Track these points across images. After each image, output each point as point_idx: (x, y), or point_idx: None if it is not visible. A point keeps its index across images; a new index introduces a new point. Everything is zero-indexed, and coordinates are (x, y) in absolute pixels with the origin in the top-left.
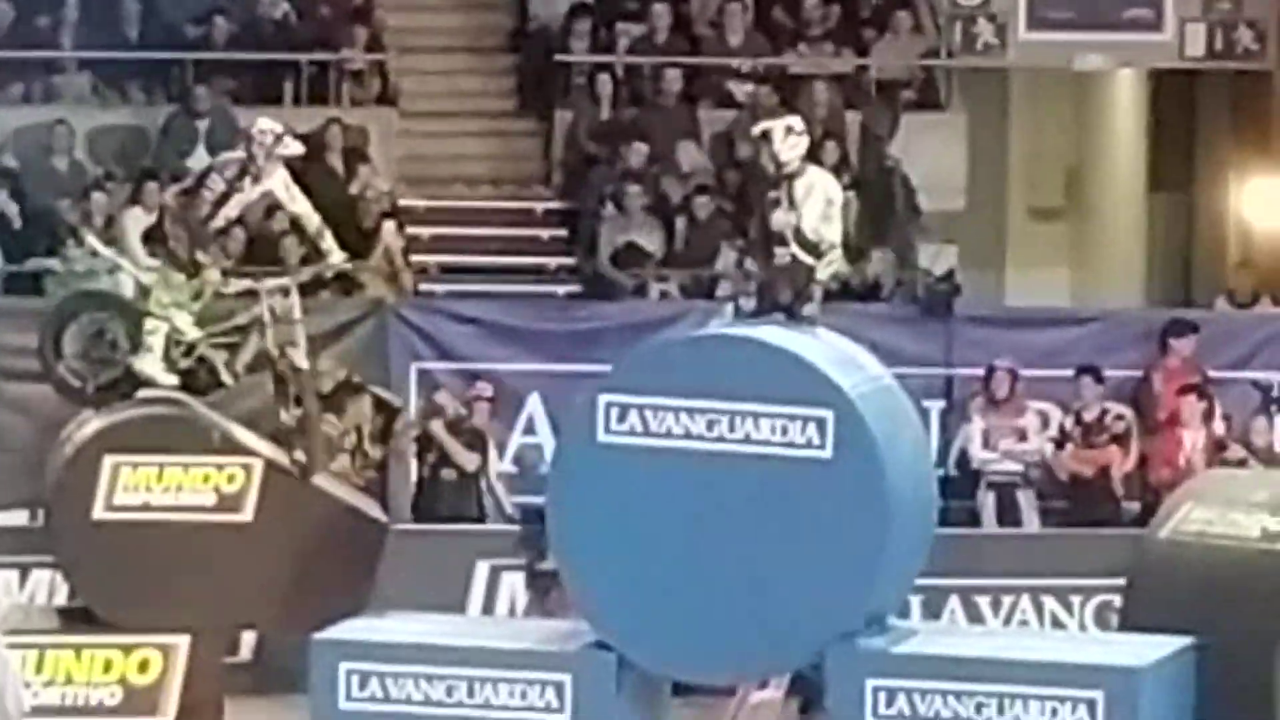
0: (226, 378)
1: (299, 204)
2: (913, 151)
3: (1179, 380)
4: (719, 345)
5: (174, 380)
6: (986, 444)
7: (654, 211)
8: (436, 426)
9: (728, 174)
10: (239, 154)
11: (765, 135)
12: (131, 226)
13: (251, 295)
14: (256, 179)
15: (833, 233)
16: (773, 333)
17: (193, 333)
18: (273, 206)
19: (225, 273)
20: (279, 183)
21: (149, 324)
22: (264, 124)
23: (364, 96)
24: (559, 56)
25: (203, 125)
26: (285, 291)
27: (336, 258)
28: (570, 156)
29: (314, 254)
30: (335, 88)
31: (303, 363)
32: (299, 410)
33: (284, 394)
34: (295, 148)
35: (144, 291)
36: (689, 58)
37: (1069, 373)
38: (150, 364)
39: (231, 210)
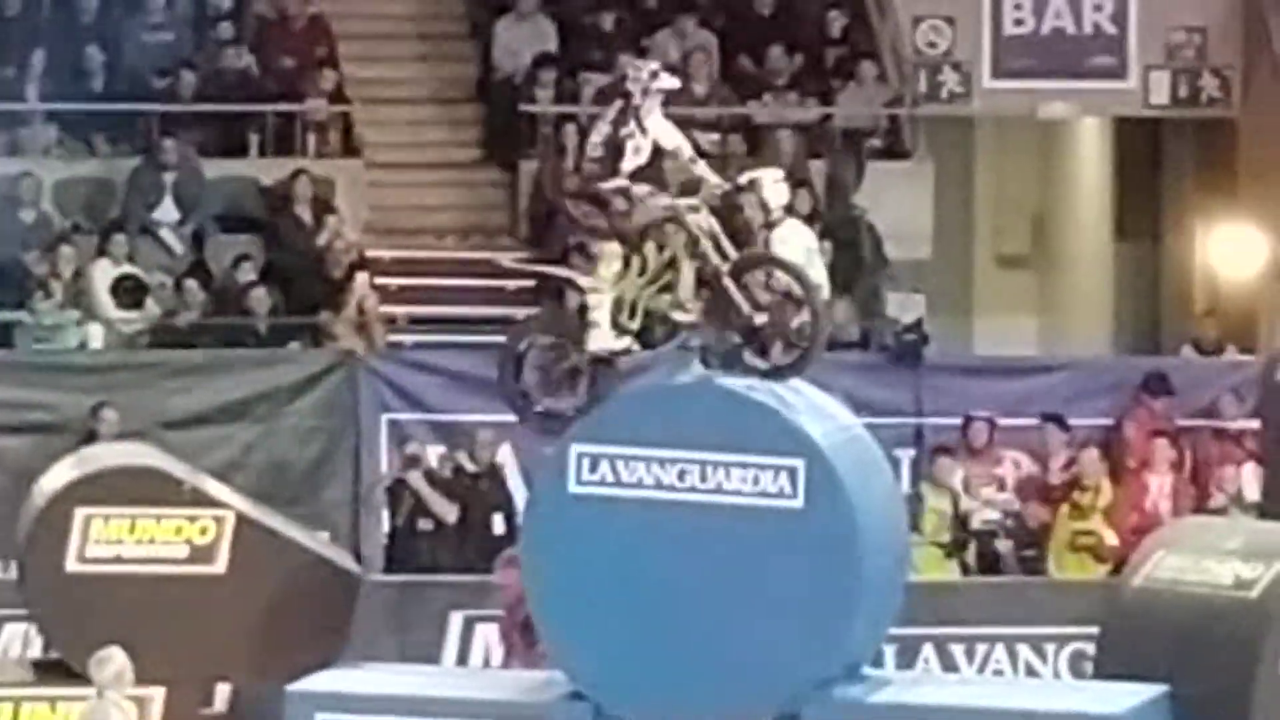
0: (680, 316)
1: (675, 137)
2: (879, 200)
3: (1149, 428)
4: (690, 395)
5: (626, 344)
6: (966, 491)
7: None
8: (415, 477)
9: None
10: (614, 105)
11: (752, 183)
12: (99, 278)
13: (672, 222)
14: (642, 124)
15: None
16: (743, 383)
17: (630, 291)
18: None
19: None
20: (659, 123)
21: (592, 300)
22: (637, 62)
23: (329, 148)
24: (524, 106)
25: (169, 177)
26: (695, 209)
27: (714, 179)
28: (536, 206)
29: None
30: (300, 139)
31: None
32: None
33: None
34: (672, 81)
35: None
36: None
37: (1037, 421)
38: (601, 338)
39: (635, 161)
